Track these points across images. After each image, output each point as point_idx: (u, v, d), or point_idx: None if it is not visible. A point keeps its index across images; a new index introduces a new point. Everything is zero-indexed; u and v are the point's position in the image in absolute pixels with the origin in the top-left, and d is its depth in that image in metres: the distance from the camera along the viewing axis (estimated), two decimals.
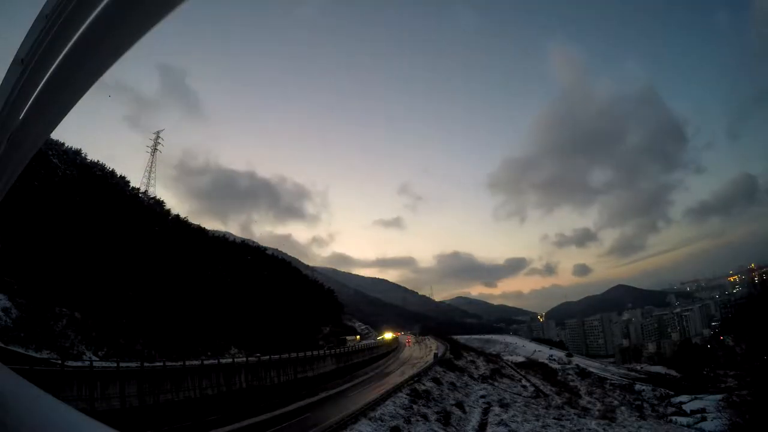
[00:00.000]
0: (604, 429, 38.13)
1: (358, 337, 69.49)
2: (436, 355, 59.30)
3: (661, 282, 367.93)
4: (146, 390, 21.32)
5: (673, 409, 61.39)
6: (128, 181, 53.54)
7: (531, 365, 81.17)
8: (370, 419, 23.27)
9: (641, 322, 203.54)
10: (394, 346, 75.83)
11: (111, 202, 41.59)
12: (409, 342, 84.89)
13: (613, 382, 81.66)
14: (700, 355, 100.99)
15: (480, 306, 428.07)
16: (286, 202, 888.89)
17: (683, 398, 66.49)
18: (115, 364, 20.96)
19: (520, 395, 50.04)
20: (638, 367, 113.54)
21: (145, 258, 39.01)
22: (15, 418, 1.25)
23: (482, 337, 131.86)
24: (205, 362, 27.53)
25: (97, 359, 24.27)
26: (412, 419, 26.53)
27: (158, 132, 75.35)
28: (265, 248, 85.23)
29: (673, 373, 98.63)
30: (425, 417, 28.37)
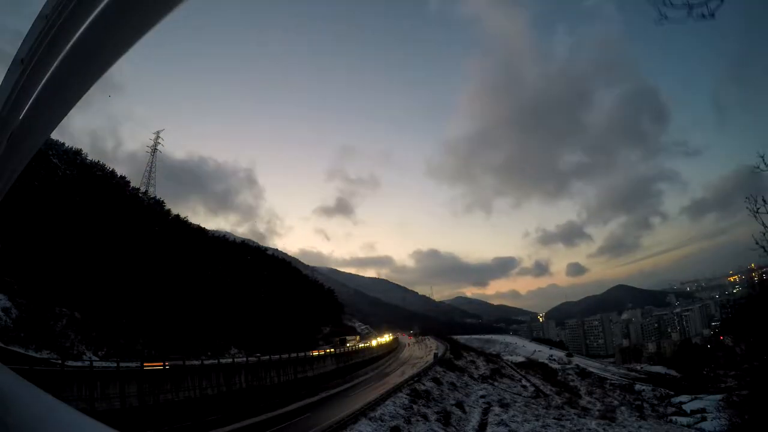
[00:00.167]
0: (604, 429, 38.10)
1: (358, 337, 69.47)
2: (436, 355, 59.27)
3: (661, 282, 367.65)
4: (146, 390, 21.31)
5: (673, 409, 61.37)
6: (128, 181, 53.62)
7: (531, 365, 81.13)
8: (370, 419, 23.26)
9: (641, 322, 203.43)
10: (394, 347, 75.83)
11: (111, 202, 41.59)
12: (409, 344, 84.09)
13: (613, 382, 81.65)
14: (700, 355, 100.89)
15: (480, 306, 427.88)
16: (217, 191, 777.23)
17: (683, 398, 66.46)
18: (115, 364, 20.96)
19: (520, 395, 50.03)
20: (638, 367, 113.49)
21: (145, 258, 39.00)
22: (15, 418, 1.25)
23: (482, 337, 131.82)
24: (205, 362, 27.53)
25: (97, 359, 24.27)
26: (412, 419, 26.52)
27: (158, 132, 75.39)
28: (266, 248, 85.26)
29: (673, 373, 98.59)
30: (425, 417, 28.36)
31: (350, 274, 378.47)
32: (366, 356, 55.63)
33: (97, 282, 31.18)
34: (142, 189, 60.72)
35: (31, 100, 1.53)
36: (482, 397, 42.50)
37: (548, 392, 58.42)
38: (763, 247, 15.71)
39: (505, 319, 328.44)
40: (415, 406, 29.46)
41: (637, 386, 77.40)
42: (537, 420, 36.11)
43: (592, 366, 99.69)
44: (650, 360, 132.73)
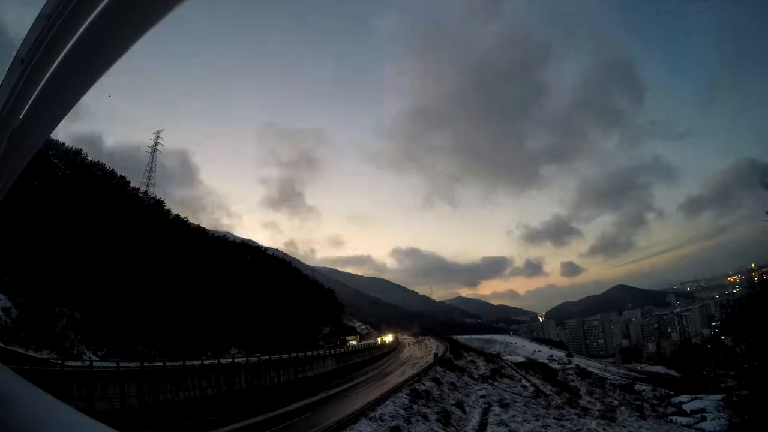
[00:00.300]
0: (604, 429, 38.10)
1: (358, 337, 69.41)
2: (436, 355, 59.27)
3: (661, 282, 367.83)
4: (146, 390, 21.32)
5: (673, 409, 61.41)
6: (128, 181, 53.63)
7: (531, 365, 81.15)
8: (370, 419, 23.26)
9: (641, 322, 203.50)
10: (394, 347, 75.84)
11: (111, 202, 41.59)
12: (409, 344, 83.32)
13: (613, 382, 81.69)
14: (700, 355, 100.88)
15: (479, 306, 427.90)
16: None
17: (683, 398, 66.51)
18: (115, 364, 20.96)
19: (520, 395, 50.04)
20: (638, 367, 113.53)
21: (145, 258, 38.99)
22: (15, 418, 1.25)
23: (482, 337, 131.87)
24: (205, 362, 27.54)
25: (97, 359, 24.27)
26: (412, 419, 26.53)
27: (158, 132, 75.36)
28: (266, 248, 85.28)
29: (673, 373, 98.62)
30: (425, 417, 28.37)
31: (350, 274, 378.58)
32: (366, 356, 55.63)
33: (97, 282, 31.18)
34: (142, 189, 60.74)
35: (31, 100, 1.53)
36: (482, 397, 42.51)
37: (548, 392, 58.43)
38: None
39: (505, 319, 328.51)
40: (415, 406, 29.47)
41: (637, 386, 77.46)
42: (537, 420, 36.11)
43: (592, 366, 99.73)
44: (650, 360, 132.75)
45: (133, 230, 41.05)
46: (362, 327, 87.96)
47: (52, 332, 24.85)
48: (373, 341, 70.70)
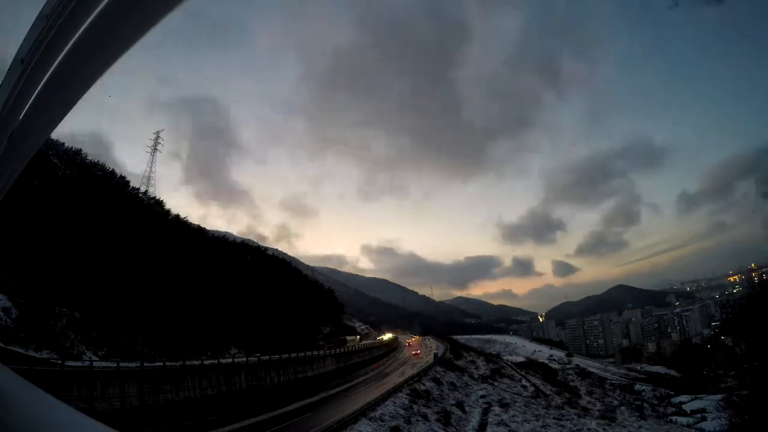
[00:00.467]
0: (604, 429, 38.10)
1: (358, 337, 69.41)
2: (436, 355, 59.28)
3: (661, 282, 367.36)
4: (146, 390, 21.32)
5: (673, 409, 61.40)
6: (128, 181, 53.60)
7: (531, 365, 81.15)
8: (370, 419, 23.27)
9: (641, 322, 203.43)
10: (394, 347, 75.82)
11: (111, 202, 41.58)
12: (409, 344, 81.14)
13: (613, 382, 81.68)
14: (700, 355, 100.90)
15: (479, 306, 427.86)
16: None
17: (683, 398, 66.48)
18: (115, 364, 20.96)
19: (520, 395, 50.03)
20: (638, 367, 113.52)
21: (145, 258, 38.99)
22: (15, 418, 1.25)
23: (482, 337, 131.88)
24: (205, 362, 27.55)
25: (97, 359, 24.26)
26: (412, 419, 26.53)
27: (158, 132, 75.28)
28: (266, 248, 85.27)
29: (673, 373, 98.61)
30: (425, 417, 28.37)
31: (350, 274, 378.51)
32: (366, 356, 55.64)
33: (97, 282, 31.17)
34: (142, 189, 60.71)
35: (31, 100, 1.53)
36: (482, 397, 42.51)
37: (548, 392, 58.42)
38: None
39: (504, 319, 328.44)
40: (415, 406, 29.47)
41: (637, 386, 77.44)
42: (537, 420, 36.12)
43: (592, 366, 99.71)
44: (650, 360, 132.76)
45: (132, 230, 41.04)
46: (362, 327, 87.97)
47: (52, 332, 24.84)
48: (373, 341, 70.70)
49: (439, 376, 43.75)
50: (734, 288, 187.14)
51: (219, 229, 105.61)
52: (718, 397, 54.65)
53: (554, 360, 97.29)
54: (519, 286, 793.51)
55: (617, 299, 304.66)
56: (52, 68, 1.43)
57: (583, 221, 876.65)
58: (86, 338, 26.84)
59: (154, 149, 72.81)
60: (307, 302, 66.37)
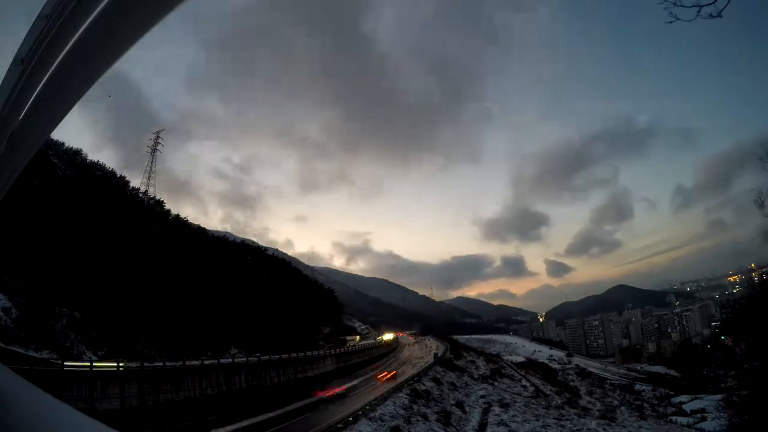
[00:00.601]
0: (604, 429, 38.12)
1: (358, 337, 69.41)
2: (436, 355, 59.30)
3: (661, 282, 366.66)
4: (146, 390, 21.33)
5: (673, 409, 61.40)
6: (128, 181, 53.62)
7: (531, 365, 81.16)
8: (370, 419, 23.27)
9: (641, 322, 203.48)
10: (394, 346, 75.82)
11: (111, 202, 41.59)
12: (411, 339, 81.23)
13: (613, 382, 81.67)
14: (700, 355, 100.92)
15: (479, 306, 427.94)
16: None
17: (683, 398, 66.49)
18: (115, 364, 20.97)
19: (520, 395, 50.03)
20: (638, 367, 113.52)
21: (145, 258, 38.99)
22: (15, 418, 1.25)
23: (482, 337, 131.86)
24: (205, 362, 27.55)
25: (97, 359, 24.27)
26: (412, 419, 26.53)
27: (158, 132, 75.19)
28: (266, 248, 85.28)
29: (673, 373, 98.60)
30: (425, 417, 28.37)
31: (350, 274, 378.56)
32: (366, 356, 55.62)
33: (97, 282, 31.17)
34: (142, 189, 60.70)
35: (31, 100, 1.53)
36: (482, 397, 42.52)
37: (548, 392, 58.42)
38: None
39: (505, 319, 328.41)
40: (415, 406, 29.47)
41: (637, 386, 77.44)
42: (537, 420, 36.13)
43: (592, 366, 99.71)
44: (650, 360, 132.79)
45: (132, 230, 41.04)
46: (362, 327, 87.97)
47: (52, 332, 24.85)
48: (373, 341, 70.70)
49: (439, 376, 43.75)
50: (734, 288, 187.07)
51: (219, 229, 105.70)
52: (718, 397, 54.65)
53: (554, 360, 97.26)
54: (516, 287, 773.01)
55: (617, 299, 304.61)
56: (52, 68, 1.43)
57: (567, 216, 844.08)
58: (86, 338, 26.85)
59: (154, 149, 72.77)
60: (307, 302, 66.37)
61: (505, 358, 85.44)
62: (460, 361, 61.63)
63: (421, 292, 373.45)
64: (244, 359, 31.88)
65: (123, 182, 51.94)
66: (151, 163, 71.60)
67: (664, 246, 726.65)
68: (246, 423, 20.74)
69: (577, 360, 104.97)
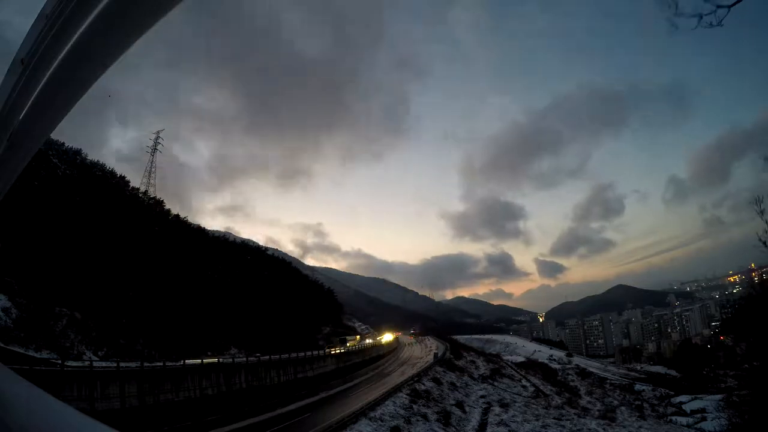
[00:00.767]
0: (604, 429, 38.13)
1: (358, 337, 69.40)
2: (436, 355, 59.32)
3: (661, 282, 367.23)
4: (146, 390, 21.33)
5: (673, 409, 61.33)
6: (128, 181, 53.64)
7: (531, 365, 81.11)
8: (370, 419, 23.27)
9: (641, 322, 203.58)
10: (394, 347, 75.84)
11: (111, 202, 41.60)
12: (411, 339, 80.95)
13: (613, 382, 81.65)
14: (700, 355, 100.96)
15: (479, 306, 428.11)
16: None
17: (683, 398, 66.41)
18: (115, 364, 20.97)
19: (520, 395, 50.01)
20: (638, 367, 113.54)
21: (145, 258, 39.00)
22: (15, 418, 1.25)
23: (482, 337, 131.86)
24: (205, 362, 27.54)
25: (97, 359, 24.27)
26: (412, 419, 26.53)
27: (158, 132, 75.15)
28: (266, 248, 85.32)
29: (673, 373, 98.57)
30: (425, 417, 28.37)
31: (350, 274, 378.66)
32: (366, 356, 55.63)
33: (97, 282, 31.18)
34: (142, 189, 60.67)
35: (31, 100, 1.53)
36: (482, 397, 42.53)
37: (548, 392, 58.40)
38: (765, 243, 15.99)
39: (505, 319, 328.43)
40: (415, 406, 29.47)
41: (637, 386, 77.40)
42: (537, 420, 36.14)
43: (592, 366, 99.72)
44: (650, 360, 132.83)
45: (132, 230, 41.05)
46: (362, 327, 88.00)
47: (52, 332, 24.85)
48: (373, 341, 70.71)
49: (439, 376, 43.75)
50: (734, 288, 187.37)
51: (219, 229, 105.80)
52: (718, 397, 54.64)
53: (554, 360, 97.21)
54: (511, 288, 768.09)
55: (617, 299, 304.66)
56: (52, 68, 1.43)
57: (546, 209, 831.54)
58: (86, 338, 26.85)
59: (154, 149, 72.73)
60: (307, 302, 66.37)
61: (505, 358, 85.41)
62: (460, 361, 61.63)
63: (421, 292, 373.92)
64: (244, 359, 31.88)
65: (123, 182, 51.98)
66: (151, 163, 71.60)
67: (664, 246, 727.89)
68: (246, 423, 20.74)
69: (577, 360, 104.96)
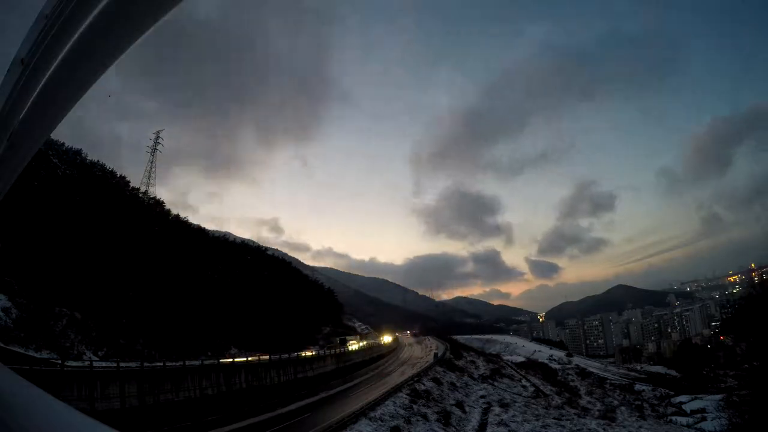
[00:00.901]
0: (604, 429, 38.14)
1: (358, 337, 69.40)
2: (436, 355, 59.32)
3: (661, 282, 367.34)
4: (146, 390, 21.33)
5: (673, 409, 61.34)
6: (128, 181, 53.64)
7: (531, 365, 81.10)
8: (370, 419, 23.27)
9: (641, 322, 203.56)
10: (394, 347, 75.85)
11: (111, 202, 41.60)
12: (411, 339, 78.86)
13: (613, 382, 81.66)
14: (700, 355, 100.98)
15: (480, 306, 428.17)
16: None
17: (683, 398, 66.42)
18: (115, 364, 20.97)
19: (520, 395, 50.01)
20: (638, 367, 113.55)
21: (145, 258, 39.01)
22: (15, 418, 1.25)
23: (482, 337, 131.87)
24: (205, 362, 27.55)
25: (97, 359, 24.28)
26: (412, 419, 26.52)
27: (158, 132, 75.13)
28: (266, 248, 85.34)
29: (673, 373, 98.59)
30: (425, 417, 28.36)
31: (350, 274, 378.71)
32: (366, 356, 55.62)
33: (97, 282, 31.19)
34: (142, 189, 60.68)
35: (31, 100, 1.53)
36: (482, 397, 42.53)
37: (548, 392, 58.40)
38: None
39: (505, 319, 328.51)
40: (415, 406, 29.47)
41: (637, 386, 77.40)
42: (537, 420, 36.15)
43: (592, 366, 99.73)
44: (650, 360, 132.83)
45: (132, 230, 41.05)
46: (362, 327, 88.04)
47: (52, 332, 24.86)
48: (373, 341, 70.73)
49: (439, 376, 43.74)
50: (734, 288, 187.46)
51: (219, 229, 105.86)
52: (718, 397, 54.68)
53: (554, 360, 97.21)
54: (510, 288, 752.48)
55: (617, 299, 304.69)
56: (52, 68, 1.43)
57: (524, 203, 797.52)
58: (86, 338, 26.86)
59: (154, 149, 72.69)
60: (307, 302, 66.40)
61: (505, 358, 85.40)
62: (460, 361, 61.63)
63: (421, 292, 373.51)
64: (244, 359, 31.89)
65: (123, 182, 51.98)
66: (151, 163, 71.57)
67: (664, 246, 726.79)
68: (246, 423, 20.74)
69: (577, 360, 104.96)
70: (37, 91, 1.50)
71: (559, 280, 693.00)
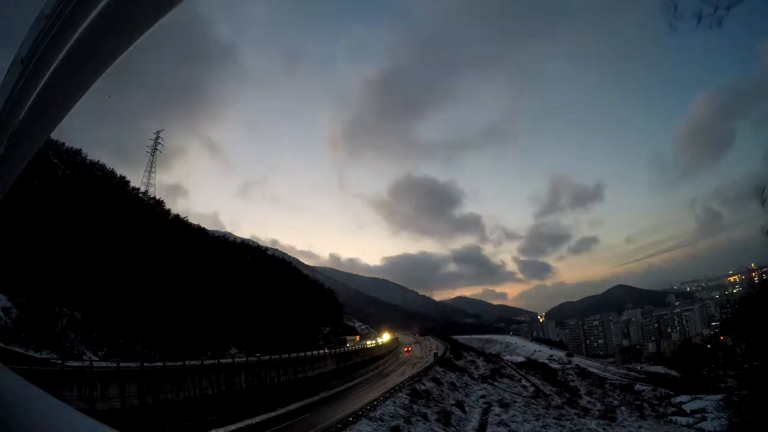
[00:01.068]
0: (604, 429, 38.15)
1: (358, 337, 69.40)
2: (436, 355, 59.33)
3: (661, 282, 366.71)
4: (146, 390, 21.33)
5: (673, 409, 61.35)
6: (128, 181, 53.62)
7: (531, 365, 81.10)
8: (370, 419, 23.27)
9: (641, 322, 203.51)
10: (394, 347, 75.83)
11: (111, 202, 41.59)
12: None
13: (613, 382, 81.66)
14: (700, 355, 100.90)
15: (480, 306, 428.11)
16: None
17: (683, 398, 66.43)
18: (115, 364, 20.97)
19: (520, 395, 50.01)
20: (638, 367, 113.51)
21: (145, 258, 39.00)
22: (15, 418, 1.25)
23: (482, 337, 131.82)
24: (205, 362, 27.55)
25: (97, 359, 24.27)
26: (412, 419, 26.53)
27: (158, 132, 75.05)
28: (266, 248, 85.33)
29: (673, 373, 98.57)
30: (425, 417, 28.37)
31: (351, 273, 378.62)
32: (366, 356, 55.63)
33: (97, 282, 31.18)
34: (142, 189, 60.66)
35: (31, 100, 1.53)
36: (482, 397, 42.54)
37: (548, 392, 58.40)
38: None
39: (505, 319, 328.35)
40: (415, 406, 29.48)
41: (637, 386, 77.41)
42: (537, 420, 36.16)
43: (592, 366, 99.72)
44: (650, 360, 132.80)
45: (132, 230, 41.04)
46: (362, 327, 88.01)
47: (52, 332, 24.85)
48: (373, 341, 70.74)
49: (439, 376, 43.75)
50: (734, 288, 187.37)
51: (219, 229, 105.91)
52: (718, 397, 54.66)
53: (554, 360, 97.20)
54: (505, 288, 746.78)
55: (617, 299, 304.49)
56: (52, 68, 1.43)
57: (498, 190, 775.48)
58: (86, 338, 26.85)
59: (154, 149, 72.62)
60: (307, 302, 66.37)
61: (505, 358, 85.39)
62: (460, 361, 61.63)
63: (421, 292, 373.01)
64: (244, 359, 31.88)
65: (123, 182, 51.96)
66: (151, 162, 71.53)
67: (664, 246, 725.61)
68: (246, 423, 20.75)
69: (577, 360, 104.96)
70: (37, 91, 1.50)
71: (557, 280, 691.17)
